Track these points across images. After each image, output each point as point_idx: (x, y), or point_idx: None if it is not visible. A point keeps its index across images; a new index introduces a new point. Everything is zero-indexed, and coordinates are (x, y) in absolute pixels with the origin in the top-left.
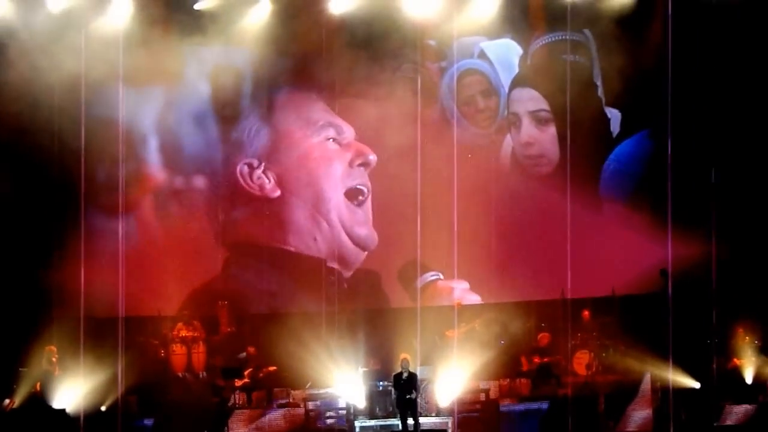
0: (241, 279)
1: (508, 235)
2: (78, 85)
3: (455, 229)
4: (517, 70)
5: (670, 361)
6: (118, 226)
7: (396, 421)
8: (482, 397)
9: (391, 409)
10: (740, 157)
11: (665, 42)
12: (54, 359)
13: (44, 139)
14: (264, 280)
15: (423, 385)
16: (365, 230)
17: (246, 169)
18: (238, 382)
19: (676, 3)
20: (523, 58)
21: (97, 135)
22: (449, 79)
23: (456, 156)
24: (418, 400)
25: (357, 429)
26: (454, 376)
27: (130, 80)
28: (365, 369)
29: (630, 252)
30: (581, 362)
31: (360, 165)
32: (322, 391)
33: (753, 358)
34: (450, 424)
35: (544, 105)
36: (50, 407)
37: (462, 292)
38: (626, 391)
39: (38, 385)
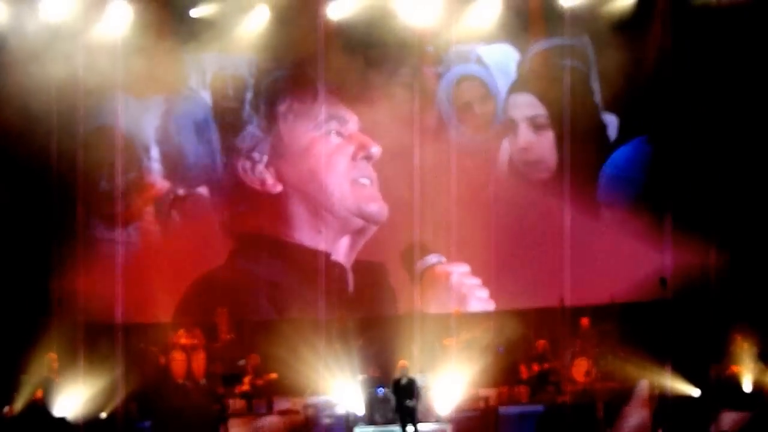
0: (244, 270)
1: (505, 241)
2: (77, 93)
3: (454, 232)
4: (514, 75)
5: (669, 368)
6: (118, 230)
7: (396, 428)
8: (481, 404)
9: (390, 416)
10: (738, 162)
11: (663, 47)
12: (54, 366)
13: (44, 146)
14: (267, 270)
15: (422, 392)
16: (375, 206)
17: (248, 164)
18: (238, 389)
19: (674, 8)
20: (520, 64)
21: (97, 142)
22: (446, 85)
23: (454, 161)
24: (418, 407)
25: None
26: (453, 384)
27: (130, 89)
28: (364, 376)
29: (629, 259)
30: (580, 369)
31: (363, 158)
32: (321, 398)
33: (751, 365)
34: (449, 430)
35: (541, 110)
36: (50, 414)
37: (460, 276)
38: (625, 398)
39: (39, 392)
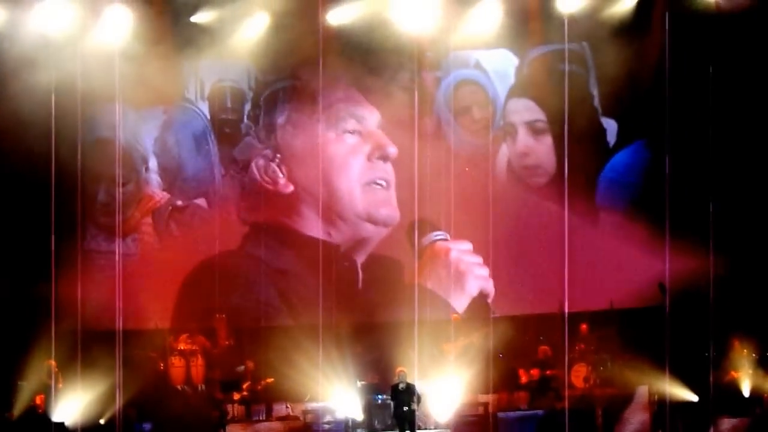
0: (254, 256)
1: (504, 246)
2: (76, 104)
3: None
4: (513, 80)
5: (668, 373)
6: (118, 240)
7: None
8: (480, 410)
9: (389, 422)
10: (737, 168)
11: (661, 52)
12: (54, 372)
13: (43, 157)
14: (276, 258)
15: (421, 398)
16: (386, 210)
17: (261, 161)
18: (237, 395)
19: (672, 14)
20: (519, 69)
21: (95, 154)
22: (445, 89)
23: (453, 165)
24: (417, 412)
25: None
26: (452, 390)
27: (128, 100)
28: (363, 382)
29: (628, 265)
30: (579, 375)
31: (379, 158)
32: (320, 404)
33: (750, 371)
34: None
35: (540, 115)
36: (50, 420)
37: (460, 253)
38: (624, 404)
39: (38, 398)
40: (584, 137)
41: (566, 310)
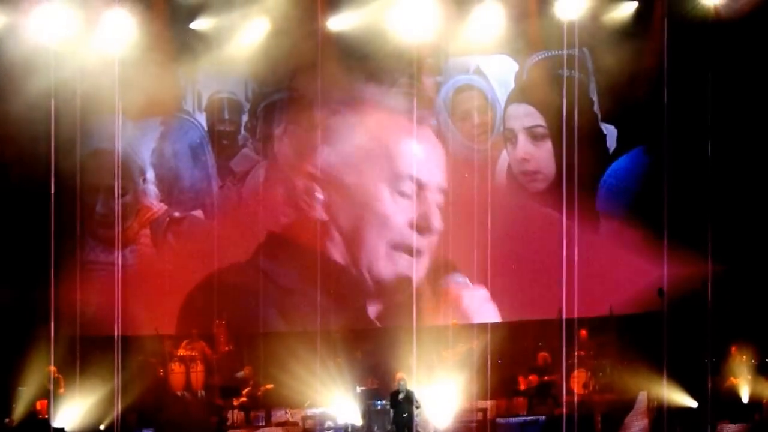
0: (254, 266)
1: (503, 252)
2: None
3: (452, 241)
4: (513, 85)
5: (667, 379)
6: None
7: None
8: (479, 416)
9: (389, 427)
10: (736, 174)
11: (661, 58)
12: (54, 378)
13: (42, 167)
14: (287, 276)
15: (420, 404)
16: (390, 273)
17: (306, 182)
18: (236, 401)
19: (672, 20)
20: (519, 74)
21: (93, 165)
22: (445, 95)
23: (452, 171)
24: (416, 418)
25: None
26: (451, 395)
27: (126, 112)
28: (363, 388)
29: (627, 271)
30: (578, 381)
31: (419, 228)
32: (320, 409)
33: (749, 377)
34: None
35: (540, 121)
36: (50, 426)
37: (472, 299)
38: (623, 410)
39: (39, 403)
40: (584, 143)
41: (565, 316)
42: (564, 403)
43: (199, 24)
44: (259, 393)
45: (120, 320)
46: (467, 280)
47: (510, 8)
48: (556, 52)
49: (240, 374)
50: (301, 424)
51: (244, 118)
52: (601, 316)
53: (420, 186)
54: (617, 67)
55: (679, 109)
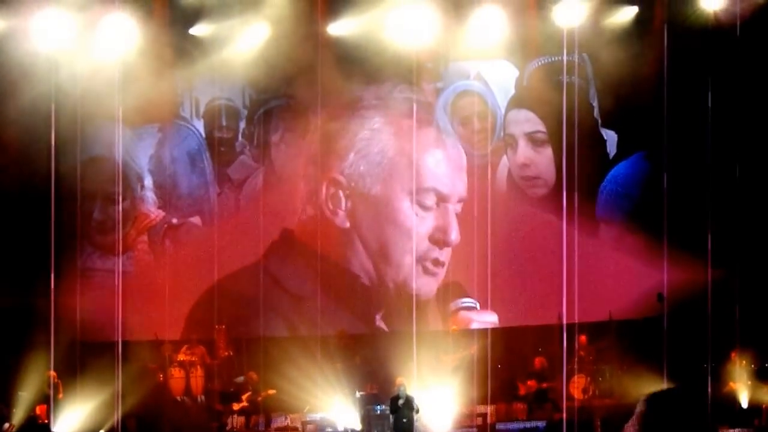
0: (275, 272)
1: (503, 257)
2: (74, 122)
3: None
4: (513, 91)
5: (666, 384)
6: (118, 257)
7: None
8: (479, 421)
9: None
10: (736, 180)
11: (661, 64)
12: (53, 383)
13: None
14: (297, 282)
15: (419, 409)
16: (427, 287)
17: (331, 188)
18: (236, 406)
19: (672, 26)
20: (519, 80)
21: (90, 172)
22: (445, 100)
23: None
24: (416, 424)
25: None
26: (450, 401)
27: (124, 118)
28: (362, 393)
29: (627, 276)
30: (578, 386)
31: (437, 242)
32: (319, 415)
33: (749, 383)
34: None
35: (540, 126)
36: (50, 431)
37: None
38: (623, 415)
39: (38, 409)
40: (584, 148)
41: (565, 321)
42: (564, 409)
43: (197, 30)
44: (258, 398)
45: (120, 326)
46: (477, 304)
47: (510, 14)
48: (556, 58)
49: (240, 379)
50: (300, 429)
51: (242, 124)
52: (601, 321)
53: (441, 199)
54: (617, 72)
55: (679, 114)
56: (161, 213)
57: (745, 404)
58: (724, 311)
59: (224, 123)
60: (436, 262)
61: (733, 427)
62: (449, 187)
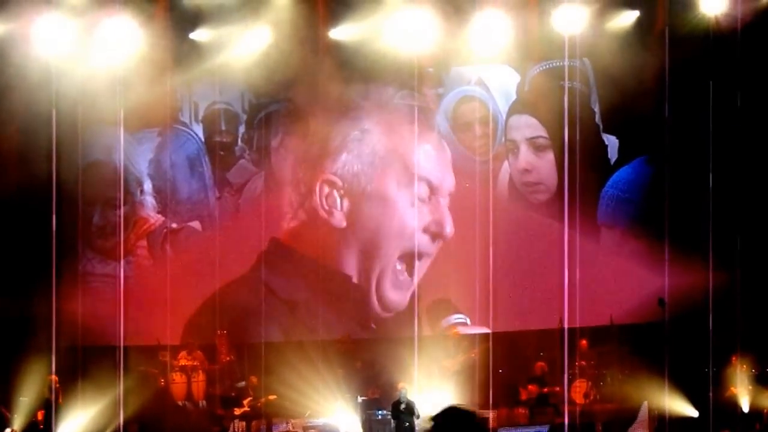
0: (267, 282)
1: (505, 262)
2: (75, 127)
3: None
4: (514, 96)
5: (668, 389)
6: (119, 262)
7: None
8: None
9: None
10: (737, 184)
11: (662, 69)
12: (55, 388)
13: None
14: (290, 289)
15: (421, 414)
16: (398, 296)
17: (326, 188)
18: (238, 411)
19: (673, 30)
20: (520, 85)
21: (91, 177)
22: (446, 106)
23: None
24: (417, 428)
25: None
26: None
27: (124, 123)
28: (364, 398)
29: (628, 281)
30: (579, 391)
31: (432, 233)
32: (321, 420)
33: (749, 387)
34: None
35: (541, 132)
36: None
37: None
38: (624, 419)
39: (40, 414)
40: (586, 154)
41: (566, 326)
42: (565, 413)
43: (197, 35)
44: (260, 403)
45: (121, 331)
46: (467, 319)
47: (511, 19)
48: (558, 63)
49: (241, 384)
50: None
51: (242, 129)
52: (602, 325)
53: (433, 190)
54: (619, 77)
55: (680, 119)
56: (161, 218)
57: (746, 409)
58: (725, 316)
59: (224, 127)
60: (426, 254)
61: None
62: (440, 179)
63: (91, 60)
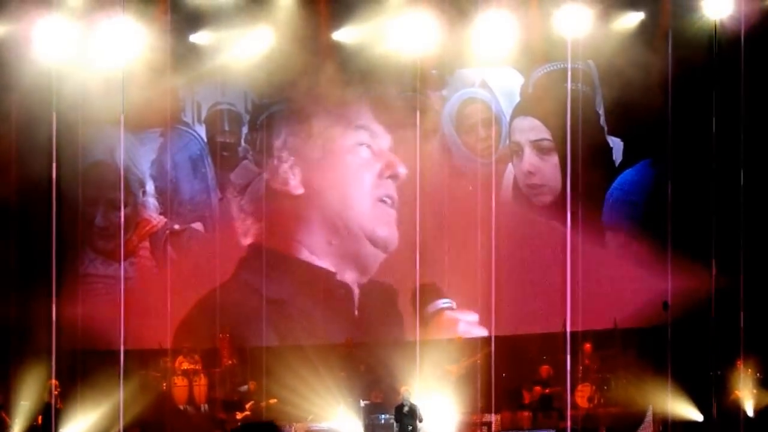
0: (249, 285)
1: (509, 265)
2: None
3: (447, 257)
4: (518, 98)
5: (672, 393)
6: (121, 263)
7: None
8: (484, 429)
9: None
10: (741, 187)
11: (667, 71)
12: (55, 392)
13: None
14: (273, 287)
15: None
16: (386, 231)
17: (275, 162)
18: (240, 415)
19: (677, 33)
20: (524, 87)
21: (93, 178)
22: (450, 108)
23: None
24: None
25: None
26: (455, 409)
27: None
28: (366, 402)
29: (632, 284)
30: (583, 395)
31: (389, 177)
32: (323, 424)
33: (754, 391)
34: None
35: (546, 134)
36: None
37: (468, 325)
38: (628, 423)
39: (40, 418)
40: (590, 156)
41: (570, 329)
42: (569, 417)
43: (199, 36)
44: (262, 407)
45: (122, 334)
46: (453, 303)
47: (515, 21)
48: (562, 65)
49: (243, 388)
50: None
51: (244, 129)
52: (606, 329)
53: (372, 136)
54: (623, 79)
55: (685, 121)
56: (163, 219)
57: (750, 412)
58: (729, 319)
59: (227, 128)
60: (391, 199)
61: None
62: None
63: (92, 61)
